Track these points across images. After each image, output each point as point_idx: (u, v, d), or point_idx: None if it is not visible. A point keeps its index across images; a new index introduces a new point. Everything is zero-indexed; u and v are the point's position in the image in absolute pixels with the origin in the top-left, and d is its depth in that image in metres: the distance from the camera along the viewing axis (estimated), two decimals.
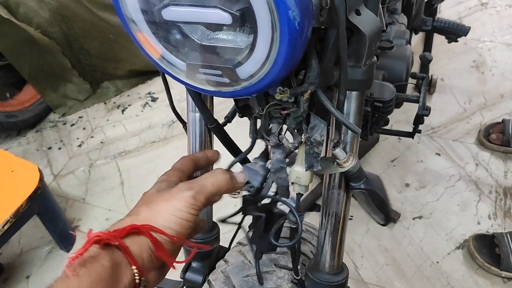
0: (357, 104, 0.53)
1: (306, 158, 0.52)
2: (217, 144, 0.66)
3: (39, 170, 1.32)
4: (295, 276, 0.67)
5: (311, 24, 0.40)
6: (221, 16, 0.39)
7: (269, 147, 0.58)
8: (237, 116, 0.63)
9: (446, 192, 1.55)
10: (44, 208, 1.37)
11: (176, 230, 0.46)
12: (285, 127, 0.55)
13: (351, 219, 1.48)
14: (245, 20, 0.39)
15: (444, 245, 1.41)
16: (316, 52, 0.46)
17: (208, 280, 0.72)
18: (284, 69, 0.41)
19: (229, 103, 0.59)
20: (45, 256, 1.51)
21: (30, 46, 1.83)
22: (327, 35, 0.46)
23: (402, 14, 1.18)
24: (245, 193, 0.58)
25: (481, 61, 2.06)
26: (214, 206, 0.67)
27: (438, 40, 1.87)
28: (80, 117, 2.07)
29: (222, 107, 0.96)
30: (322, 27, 0.44)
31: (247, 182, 0.57)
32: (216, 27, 0.42)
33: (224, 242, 0.83)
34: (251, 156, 0.62)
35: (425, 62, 1.10)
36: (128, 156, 1.84)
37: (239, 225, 0.67)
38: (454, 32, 1.52)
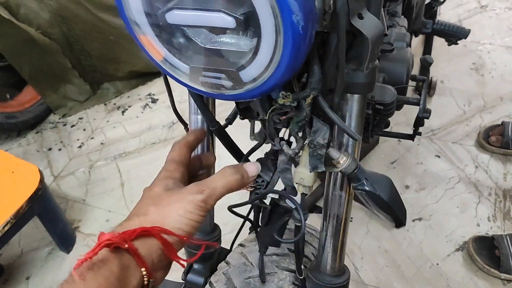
0: (359, 107, 0.54)
1: (310, 160, 0.52)
2: (219, 146, 0.67)
3: (40, 171, 1.31)
4: (298, 276, 0.67)
5: (314, 28, 0.40)
6: (225, 20, 0.39)
7: None
8: (237, 118, 0.63)
9: (446, 194, 1.55)
10: (45, 209, 1.37)
11: (186, 230, 0.47)
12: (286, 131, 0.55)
13: (351, 220, 1.48)
14: (249, 24, 0.39)
15: (444, 247, 1.41)
16: (318, 57, 0.46)
17: (210, 281, 0.72)
18: (287, 73, 0.41)
19: (230, 105, 0.59)
20: (45, 257, 1.51)
21: (30, 46, 1.83)
22: (329, 39, 0.46)
23: (403, 16, 1.18)
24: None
25: (481, 64, 2.06)
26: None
27: (438, 42, 1.88)
28: (80, 118, 2.07)
29: (222, 108, 0.96)
30: (325, 30, 0.44)
31: (258, 176, 0.57)
32: (220, 30, 0.42)
33: (225, 243, 0.83)
34: (259, 152, 0.63)
35: (426, 65, 1.11)
36: (128, 158, 1.85)
37: (246, 217, 0.67)
38: (454, 34, 1.53)
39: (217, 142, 0.66)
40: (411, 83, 1.04)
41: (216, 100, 0.61)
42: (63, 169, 1.82)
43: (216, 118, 0.63)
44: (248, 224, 0.70)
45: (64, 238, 1.50)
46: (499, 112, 1.82)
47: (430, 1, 1.62)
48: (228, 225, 0.90)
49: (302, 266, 0.67)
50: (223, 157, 0.71)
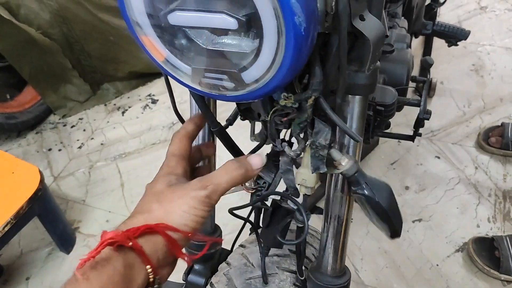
0: (360, 109, 0.54)
1: (312, 161, 0.52)
2: (219, 147, 0.67)
3: (40, 171, 1.31)
4: (299, 277, 0.67)
5: (316, 29, 0.40)
6: (227, 21, 0.39)
7: None
8: (238, 118, 0.63)
9: (446, 195, 1.55)
10: (45, 210, 1.37)
11: (191, 226, 0.46)
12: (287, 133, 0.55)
13: (351, 221, 1.48)
14: (251, 25, 0.39)
15: (443, 248, 1.41)
16: (320, 58, 0.46)
17: (211, 282, 0.72)
18: (289, 74, 0.41)
19: (230, 106, 0.59)
20: (45, 257, 1.51)
21: (30, 47, 1.83)
22: (330, 40, 0.46)
23: (403, 18, 1.19)
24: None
25: (481, 65, 2.07)
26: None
27: (438, 43, 1.88)
28: (80, 119, 2.07)
29: (223, 109, 0.96)
30: (327, 32, 0.44)
31: (260, 178, 0.57)
32: (222, 31, 0.42)
33: (226, 244, 0.83)
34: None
35: (426, 66, 1.11)
36: (128, 158, 1.84)
37: (247, 219, 0.67)
38: (454, 36, 1.53)
39: (218, 142, 0.66)
40: (411, 84, 1.04)
41: (217, 101, 0.61)
42: (63, 170, 1.82)
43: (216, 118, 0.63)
44: (248, 225, 0.70)
45: (64, 239, 1.50)
46: (499, 113, 1.82)
47: (430, 3, 1.63)
48: (229, 225, 0.90)
49: (303, 267, 0.67)
50: (223, 158, 0.71)
